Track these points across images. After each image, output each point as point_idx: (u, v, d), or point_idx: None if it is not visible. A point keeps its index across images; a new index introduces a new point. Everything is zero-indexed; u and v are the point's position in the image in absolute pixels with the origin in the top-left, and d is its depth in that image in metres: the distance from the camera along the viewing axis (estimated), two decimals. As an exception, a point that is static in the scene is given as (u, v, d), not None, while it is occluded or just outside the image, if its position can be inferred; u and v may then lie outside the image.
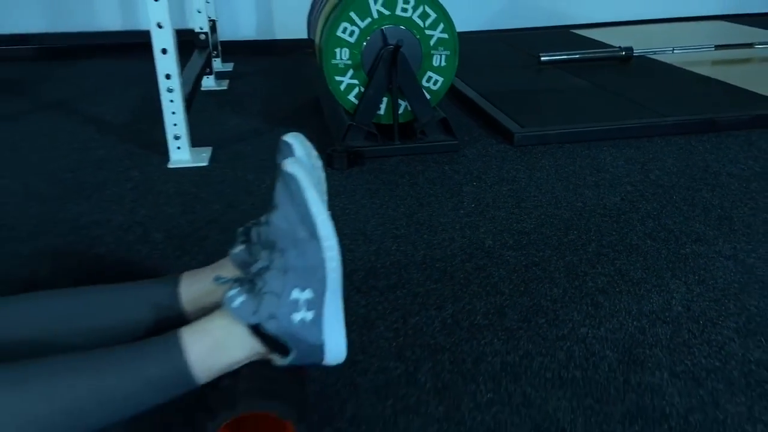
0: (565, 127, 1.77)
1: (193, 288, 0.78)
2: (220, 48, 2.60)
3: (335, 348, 0.72)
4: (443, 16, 1.59)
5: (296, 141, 0.71)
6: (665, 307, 1.00)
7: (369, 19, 1.56)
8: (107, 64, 2.66)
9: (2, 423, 0.62)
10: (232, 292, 0.69)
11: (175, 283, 0.79)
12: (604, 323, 0.96)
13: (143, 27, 2.81)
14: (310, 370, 0.84)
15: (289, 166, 0.67)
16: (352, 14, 1.55)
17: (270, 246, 0.69)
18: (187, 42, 2.07)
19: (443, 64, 1.64)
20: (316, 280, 0.68)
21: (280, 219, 0.68)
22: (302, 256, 0.67)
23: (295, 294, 0.68)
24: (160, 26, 1.45)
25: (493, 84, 2.21)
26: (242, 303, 0.68)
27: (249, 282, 0.69)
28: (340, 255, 0.70)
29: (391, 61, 1.58)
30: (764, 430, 0.76)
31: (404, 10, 1.56)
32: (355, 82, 1.63)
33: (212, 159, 1.61)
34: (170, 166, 1.56)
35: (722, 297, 1.02)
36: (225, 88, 2.33)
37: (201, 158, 1.61)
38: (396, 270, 1.11)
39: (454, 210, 1.33)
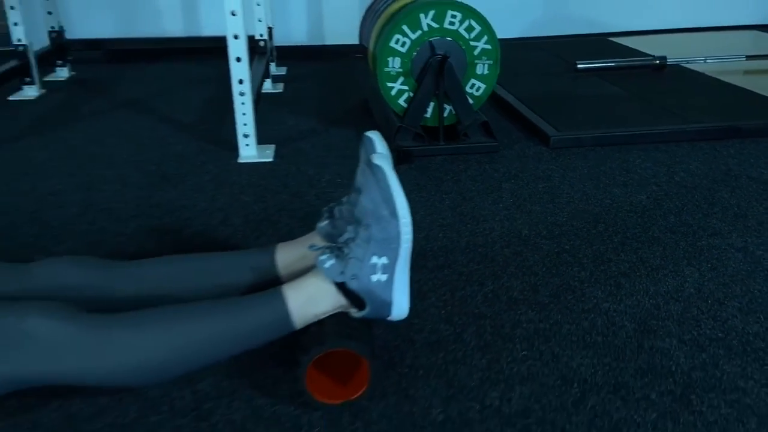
0: (598, 131, 1.91)
1: (287, 255, 0.97)
2: (275, 53, 2.80)
3: (400, 306, 0.90)
4: (487, 29, 1.75)
5: (376, 137, 0.90)
6: (679, 289, 1.15)
7: (419, 32, 1.73)
8: (171, 67, 2.89)
9: (145, 357, 0.81)
10: (324, 256, 0.88)
11: (272, 252, 0.98)
12: (624, 300, 1.12)
13: (204, 33, 3.05)
14: (376, 328, 1.02)
15: (377, 159, 0.86)
16: (405, 27, 1.73)
17: (356, 222, 0.88)
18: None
19: (486, 72, 1.81)
20: (391, 249, 0.86)
21: (366, 200, 0.86)
22: (383, 230, 0.85)
23: (374, 260, 0.86)
24: (236, 37, 1.64)
25: (532, 90, 2.35)
26: (332, 265, 0.86)
27: (338, 249, 0.87)
28: (413, 232, 0.87)
29: (438, 70, 1.75)
30: (754, 385, 0.91)
31: (451, 23, 1.73)
32: (405, 88, 1.80)
33: (276, 155, 1.80)
34: (240, 161, 1.76)
35: (730, 282, 1.17)
36: (281, 90, 2.52)
37: (266, 154, 1.80)
38: (443, 253, 1.28)
39: (494, 204, 1.49)
